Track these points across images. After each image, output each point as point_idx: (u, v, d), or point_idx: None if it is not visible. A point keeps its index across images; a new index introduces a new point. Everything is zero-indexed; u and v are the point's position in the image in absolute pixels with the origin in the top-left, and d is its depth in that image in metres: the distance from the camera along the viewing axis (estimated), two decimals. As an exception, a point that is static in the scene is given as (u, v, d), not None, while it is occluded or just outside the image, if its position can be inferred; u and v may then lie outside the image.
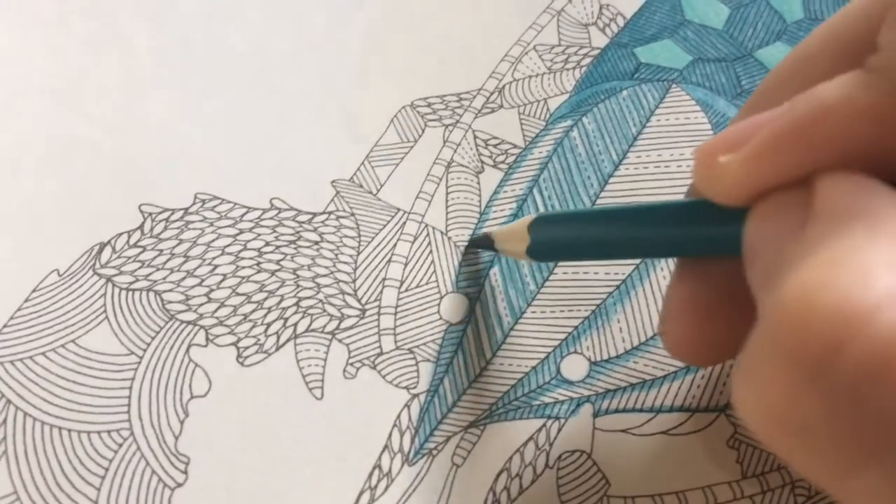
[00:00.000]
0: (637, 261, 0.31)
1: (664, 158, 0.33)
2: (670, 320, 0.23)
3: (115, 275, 0.29)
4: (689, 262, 0.23)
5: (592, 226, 0.24)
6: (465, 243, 0.31)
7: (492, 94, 0.34)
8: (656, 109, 0.34)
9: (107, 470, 0.26)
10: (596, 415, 0.28)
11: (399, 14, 0.36)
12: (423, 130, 0.33)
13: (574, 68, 0.35)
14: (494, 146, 0.33)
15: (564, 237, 0.25)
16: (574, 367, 0.29)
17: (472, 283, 0.30)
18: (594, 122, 0.33)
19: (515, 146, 0.33)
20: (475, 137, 0.33)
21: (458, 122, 0.33)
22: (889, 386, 0.13)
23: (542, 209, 0.31)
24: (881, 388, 0.13)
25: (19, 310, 0.28)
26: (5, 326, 0.28)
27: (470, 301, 0.30)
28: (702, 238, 0.22)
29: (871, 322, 0.13)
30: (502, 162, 0.33)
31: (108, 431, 0.27)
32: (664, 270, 0.30)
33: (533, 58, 0.35)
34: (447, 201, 0.32)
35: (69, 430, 0.27)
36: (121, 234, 0.30)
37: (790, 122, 0.18)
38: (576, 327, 0.29)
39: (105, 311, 0.29)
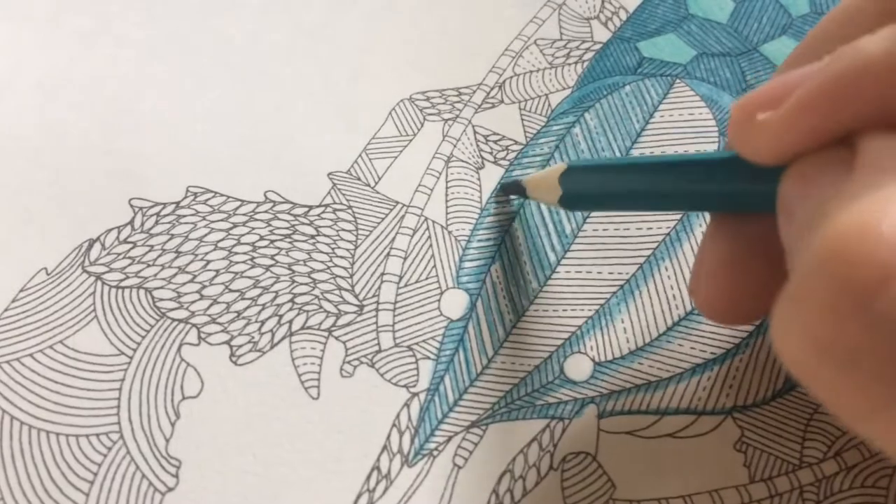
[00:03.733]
0: (642, 259, 0.30)
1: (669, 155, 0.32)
2: (703, 277, 0.23)
3: (104, 272, 0.28)
4: (722, 220, 0.23)
5: (624, 177, 0.24)
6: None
7: (492, 89, 0.34)
8: (660, 105, 0.33)
9: (95, 475, 0.25)
10: (601, 416, 0.27)
11: (398, 7, 0.35)
12: (421, 124, 0.32)
13: (576, 63, 0.35)
14: (495, 142, 0.32)
15: (596, 188, 0.25)
16: (578, 367, 0.28)
17: (473, 279, 0.29)
18: (597, 118, 0.33)
19: (516, 142, 0.32)
20: (475, 133, 0.33)
21: (457, 116, 0.33)
22: None
23: (543, 206, 0.31)
24: None
25: (6, 310, 0.28)
26: (-7, 327, 0.27)
27: (470, 297, 0.29)
28: (735, 194, 0.21)
29: None
30: (503, 158, 0.32)
31: (97, 434, 0.26)
32: (668, 270, 0.30)
33: (534, 52, 0.35)
34: (447, 195, 0.31)
35: (57, 434, 0.26)
36: (110, 230, 0.29)
37: (831, 77, 0.17)
38: (579, 327, 0.29)
39: (94, 310, 0.28)
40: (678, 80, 0.34)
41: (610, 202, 0.26)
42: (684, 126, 0.33)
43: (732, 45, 0.36)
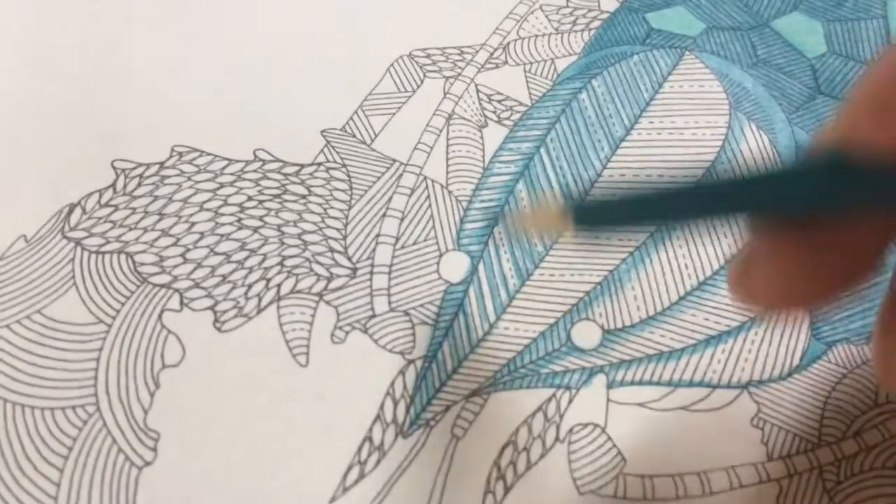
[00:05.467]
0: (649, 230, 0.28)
1: (678, 125, 0.31)
2: (755, 263, 0.20)
3: (84, 237, 0.27)
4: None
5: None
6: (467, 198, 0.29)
7: (496, 49, 0.33)
8: (669, 76, 0.33)
9: (70, 449, 0.24)
10: (610, 386, 0.26)
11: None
12: (421, 81, 0.32)
13: (582, 30, 0.34)
14: (499, 101, 0.32)
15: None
16: (586, 334, 0.27)
17: (475, 241, 0.28)
18: (604, 86, 0.32)
19: (521, 103, 0.32)
20: (478, 91, 0.32)
21: (459, 74, 0.32)
22: None
23: (549, 168, 0.30)
24: None
25: (-16, 281, 0.26)
26: (-31, 300, 0.26)
27: (472, 260, 0.28)
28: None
29: None
30: (507, 118, 0.31)
31: (73, 407, 0.25)
32: (680, 239, 0.28)
33: (539, 17, 0.34)
34: (448, 154, 0.30)
35: (32, 408, 0.24)
36: (92, 194, 0.28)
37: None
38: (587, 293, 0.27)
39: (73, 277, 0.27)
40: (688, 52, 0.33)
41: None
42: (694, 98, 0.32)
43: (743, 19, 0.35)
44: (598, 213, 0.21)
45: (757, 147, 0.31)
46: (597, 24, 0.34)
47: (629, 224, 0.22)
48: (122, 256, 0.27)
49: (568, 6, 0.35)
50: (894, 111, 0.16)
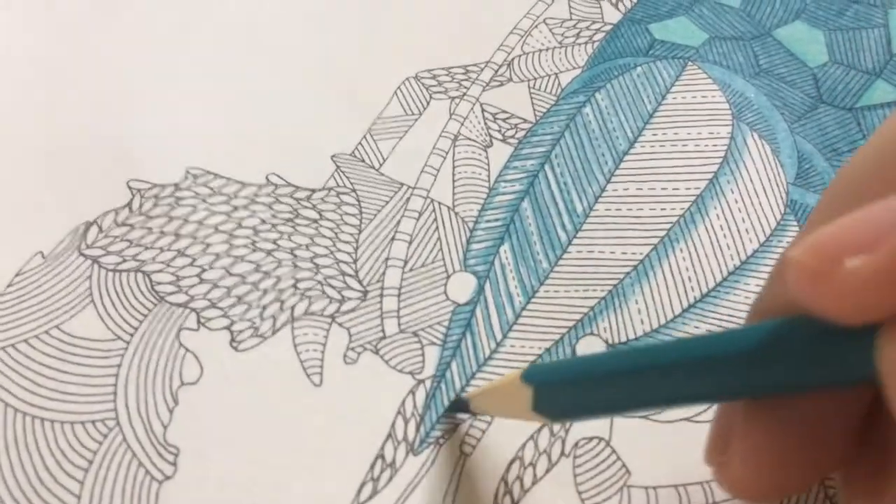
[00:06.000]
0: (656, 240, 0.29)
1: (681, 137, 0.32)
2: (738, 457, 0.19)
3: (101, 255, 0.28)
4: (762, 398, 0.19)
5: (616, 385, 0.20)
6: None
7: (500, 67, 0.33)
8: (672, 87, 0.33)
9: (91, 462, 0.24)
10: (614, 400, 0.26)
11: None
12: (427, 103, 0.32)
13: (586, 43, 0.34)
14: (503, 120, 0.32)
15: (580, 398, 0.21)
16: (590, 349, 0.27)
17: (481, 261, 0.29)
18: (608, 99, 0.32)
19: (525, 121, 0.32)
20: (483, 111, 0.32)
21: (464, 94, 0.32)
22: None
23: (553, 185, 0.30)
24: None
25: (1, 296, 0.27)
26: (-13, 314, 0.26)
27: (478, 280, 0.28)
28: (793, 371, 0.17)
29: None
30: (512, 136, 0.31)
31: (93, 421, 0.25)
32: (683, 252, 0.29)
33: (543, 31, 0.34)
34: (454, 175, 0.30)
35: (52, 422, 0.25)
36: (108, 213, 0.29)
37: None
38: (591, 308, 0.28)
39: (91, 294, 0.27)
40: (690, 63, 0.34)
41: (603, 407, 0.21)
42: (697, 108, 0.32)
43: (745, 29, 0.36)
44: (560, 402, 0.21)
45: (759, 157, 0.31)
46: (600, 36, 0.35)
47: (593, 414, 0.23)
48: (139, 275, 0.27)
49: (571, 18, 0.35)
50: None
